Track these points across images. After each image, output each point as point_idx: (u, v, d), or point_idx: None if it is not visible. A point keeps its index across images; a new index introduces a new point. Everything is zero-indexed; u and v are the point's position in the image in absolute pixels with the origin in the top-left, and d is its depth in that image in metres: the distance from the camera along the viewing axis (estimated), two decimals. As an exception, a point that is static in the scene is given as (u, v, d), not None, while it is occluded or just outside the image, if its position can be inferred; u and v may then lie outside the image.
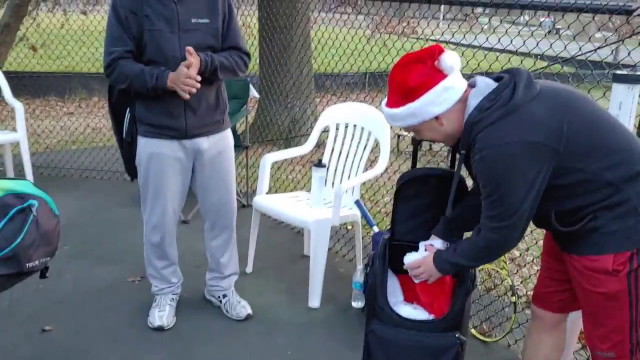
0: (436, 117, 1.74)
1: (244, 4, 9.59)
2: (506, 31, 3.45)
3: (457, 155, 1.88)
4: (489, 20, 4.45)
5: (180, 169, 2.59)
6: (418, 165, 2.41)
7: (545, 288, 2.01)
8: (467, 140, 1.70)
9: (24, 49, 7.68)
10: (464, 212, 2.00)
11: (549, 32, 2.45)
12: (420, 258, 2.06)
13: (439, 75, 1.71)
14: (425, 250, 2.10)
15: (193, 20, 2.43)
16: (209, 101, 2.55)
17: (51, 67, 8.99)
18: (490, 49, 3.16)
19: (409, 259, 2.12)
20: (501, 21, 2.92)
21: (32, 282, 2.99)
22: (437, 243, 2.08)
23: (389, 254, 2.28)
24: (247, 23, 9.72)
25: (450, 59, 1.71)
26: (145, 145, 2.54)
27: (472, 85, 1.76)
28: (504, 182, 1.64)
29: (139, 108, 2.51)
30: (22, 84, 7.67)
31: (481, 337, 2.76)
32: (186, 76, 2.32)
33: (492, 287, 3.13)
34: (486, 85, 1.71)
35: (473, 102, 1.70)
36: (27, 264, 1.92)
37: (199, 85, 2.37)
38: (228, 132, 2.72)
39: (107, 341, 2.65)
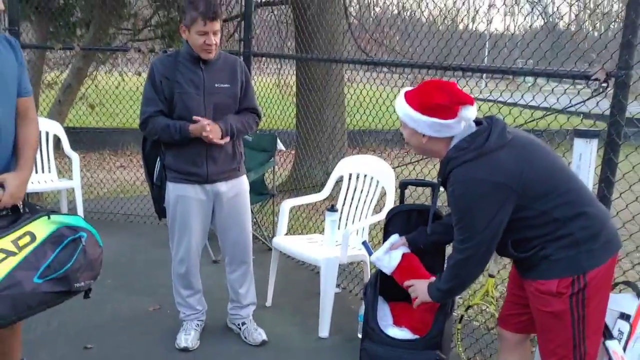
0: (423, 135, 2.08)
1: (284, 64, 10.25)
2: (552, 89, 3.40)
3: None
4: (535, 79, 4.32)
5: (201, 209, 3.02)
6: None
7: (509, 311, 2.31)
8: (444, 171, 2.07)
9: (83, 106, 8.40)
10: (435, 227, 2.42)
11: (595, 90, 2.67)
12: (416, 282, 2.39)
13: (453, 114, 2.00)
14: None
15: (216, 85, 2.91)
16: (227, 152, 2.99)
17: (106, 123, 9.72)
18: (537, 108, 3.21)
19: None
20: (548, 80, 3.08)
21: (78, 308, 3.45)
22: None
23: (380, 283, 2.63)
24: (287, 82, 10.34)
25: (469, 113, 2.02)
26: (173, 189, 2.99)
27: None
28: (470, 211, 1.99)
29: (167, 157, 2.97)
30: (80, 138, 8.32)
31: (474, 368, 3.02)
32: (205, 131, 2.79)
33: (483, 322, 3.39)
34: (468, 127, 2.05)
35: (455, 140, 2.05)
36: (75, 284, 2.27)
37: (222, 142, 2.85)
38: (243, 178, 3.15)
39: (139, 358, 3.03)
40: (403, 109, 2.08)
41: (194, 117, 2.81)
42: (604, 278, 2.01)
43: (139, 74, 9.49)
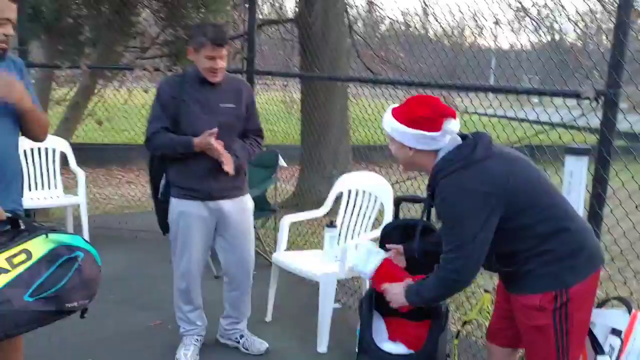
0: (410, 148, 2.12)
1: (290, 81, 10.30)
2: (556, 107, 3.26)
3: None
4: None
5: (204, 226, 3.07)
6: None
7: (497, 325, 2.35)
8: (432, 183, 2.11)
9: (91, 123, 8.50)
10: (429, 238, 2.45)
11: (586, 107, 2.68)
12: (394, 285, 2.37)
13: (437, 126, 2.06)
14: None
15: (221, 105, 2.98)
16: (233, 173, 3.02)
17: (114, 139, 9.84)
18: (541, 123, 3.26)
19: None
20: (552, 97, 3.03)
21: (80, 323, 3.48)
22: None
23: (376, 297, 2.67)
24: (293, 98, 10.40)
25: (453, 126, 2.08)
26: (176, 205, 3.05)
27: None
28: (459, 221, 2.02)
29: (171, 173, 3.04)
30: (88, 155, 8.43)
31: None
32: (209, 144, 2.85)
33: (480, 337, 3.41)
34: (453, 141, 2.10)
35: (441, 153, 2.10)
36: (67, 305, 2.22)
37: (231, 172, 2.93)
38: (247, 197, 3.20)
39: (139, 373, 3.08)
40: (389, 123, 2.13)
41: (204, 133, 2.86)
42: (587, 293, 2.05)
43: (147, 91, 9.62)
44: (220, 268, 4.18)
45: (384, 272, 2.47)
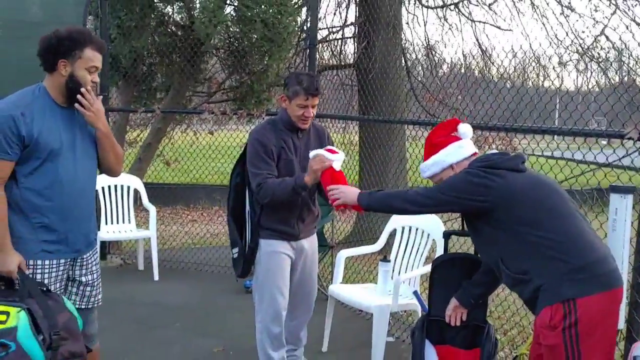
0: (451, 166, 2.42)
1: (349, 123, 10.61)
2: (627, 151, 3.15)
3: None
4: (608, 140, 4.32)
5: (289, 265, 3.24)
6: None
7: (533, 350, 2.45)
8: None
9: (159, 163, 8.98)
10: (480, 278, 2.64)
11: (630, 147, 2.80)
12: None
13: (455, 138, 2.45)
14: None
15: (310, 150, 3.11)
16: (312, 212, 3.26)
17: (180, 179, 10.28)
18: (607, 165, 3.25)
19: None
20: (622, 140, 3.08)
21: (148, 348, 3.76)
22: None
23: (427, 327, 2.81)
24: (352, 140, 10.68)
25: (464, 128, 2.47)
26: (267, 245, 3.19)
27: None
28: (452, 183, 2.35)
29: (263, 218, 3.16)
30: (156, 193, 8.87)
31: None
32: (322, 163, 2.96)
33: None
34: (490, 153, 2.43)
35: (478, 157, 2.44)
36: None
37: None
38: (315, 235, 3.42)
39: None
40: (424, 167, 2.51)
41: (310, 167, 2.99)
42: (600, 315, 2.14)
43: (212, 133, 10.08)
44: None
45: (331, 173, 2.88)
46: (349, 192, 2.66)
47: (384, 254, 3.88)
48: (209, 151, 7.02)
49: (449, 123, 2.52)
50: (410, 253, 3.88)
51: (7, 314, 2.29)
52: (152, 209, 5.44)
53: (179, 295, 4.97)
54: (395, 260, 3.93)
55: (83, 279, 2.67)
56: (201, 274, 5.75)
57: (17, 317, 2.28)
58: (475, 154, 2.47)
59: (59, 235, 2.54)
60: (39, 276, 2.51)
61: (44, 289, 2.47)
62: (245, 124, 10.24)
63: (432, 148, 2.49)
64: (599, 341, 2.17)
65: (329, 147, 3.08)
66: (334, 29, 9.37)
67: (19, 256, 2.44)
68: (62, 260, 2.57)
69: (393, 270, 3.87)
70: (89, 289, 2.70)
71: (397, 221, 3.99)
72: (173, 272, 5.72)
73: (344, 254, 3.90)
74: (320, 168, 2.90)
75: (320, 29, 8.67)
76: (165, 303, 4.77)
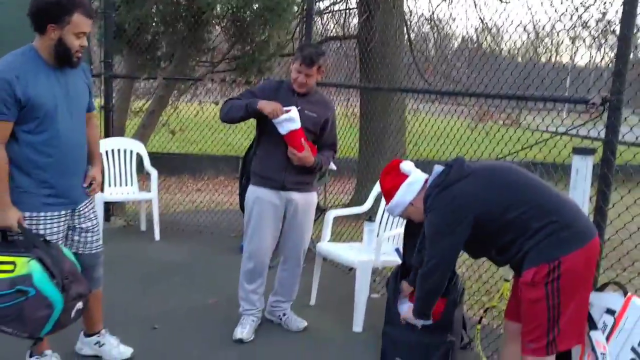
0: (411, 203, 2.63)
1: (352, 95, 10.73)
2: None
3: None
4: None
5: (274, 212, 3.49)
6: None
7: (511, 303, 2.69)
8: (425, 208, 2.57)
9: (165, 133, 9.17)
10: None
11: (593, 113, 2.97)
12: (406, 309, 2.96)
13: (404, 176, 2.68)
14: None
15: (306, 112, 3.40)
16: (304, 171, 3.45)
17: (186, 148, 10.47)
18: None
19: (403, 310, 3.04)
20: (633, 111, 3.17)
21: (146, 298, 4.02)
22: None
23: (401, 276, 3.04)
24: (354, 112, 10.80)
25: (406, 166, 2.69)
26: (252, 191, 3.50)
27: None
28: (433, 232, 2.52)
29: (254, 163, 3.51)
30: (161, 163, 9.07)
31: (490, 364, 3.34)
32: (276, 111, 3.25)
33: (500, 323, 3.69)
34: (436, 171, 2.59)
35: (428, 185, 2.60)
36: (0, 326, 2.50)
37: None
38: (314, 194, 3.65)
39: (200, 341, 3.56)
40: (389, 209, 2.75)
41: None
42: (579, 270, 2.33)
43: (217, 103, 10.21)
44: (274, 257, 4.60)
45: (300, 133, 3.28)
46: (407, 314, 2.91)
47: (369, 215, 4.09)
48: (213, 122, 7.19)
49: (391, 167, 2.74)
50: (395, 214, 4.08)
51: (14, 263, 2.50)
52: (154, 172, 5.66)
53: (178, 254, 5.22)
54: (380, 221, 4.14)
55: (83, 225, 2.91)
56: (201, 235, 6.00)
57: (28, 266, 2.49)
58: (426, 180, 2.64)
59: (59, 189, 2.75)
60: (41, 227, 2.73)
61: (44, 240, 2.67)
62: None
63: (388, 193, 2.72)
64: (576, 293, 2.36)
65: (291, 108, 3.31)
66: (337, 0, 9.47)
67: (18, 212, 2.63)
68: (63, 212, 2.80)
69: (378, 230, 4.08)
70: (89, 234, 2.94)
71: (383, 184, 4.19)
72: (174, 233, 5.97)
73: (332, 213, 4.12)
74: (270, 111, 3.23)
75: (320, 0, 8.78)
76: (165, 261, 5.02)
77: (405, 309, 2.97)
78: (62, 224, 2.81)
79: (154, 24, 6.82)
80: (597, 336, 2.53)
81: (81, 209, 2.90)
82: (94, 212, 2.99)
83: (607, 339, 2.53)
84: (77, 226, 2.89)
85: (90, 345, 3.20)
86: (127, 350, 3.25)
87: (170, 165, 9.94)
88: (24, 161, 2.65)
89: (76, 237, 2.91)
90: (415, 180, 2.66)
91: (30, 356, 2.94)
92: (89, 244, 2.95)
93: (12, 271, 2.48)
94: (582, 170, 2.83)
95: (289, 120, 3.26)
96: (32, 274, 2.48)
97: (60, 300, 2.52)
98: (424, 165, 2.84)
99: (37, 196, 2.70)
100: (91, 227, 2.95)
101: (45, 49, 2.64)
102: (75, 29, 2.61)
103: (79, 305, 2.63)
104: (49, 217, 2.75)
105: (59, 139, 2.69)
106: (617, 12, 2.80)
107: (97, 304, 3.13)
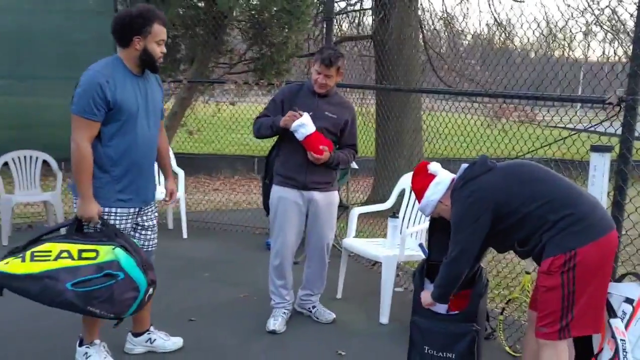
0: (441, 201, 2.81)
1: (367, 94, 10.83)
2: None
3: None
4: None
5: (297, 211, 3.67)
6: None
7: (534, 294, 2.81)
8: (452, 202, 2.75)
9: (182, 133, 9.33)
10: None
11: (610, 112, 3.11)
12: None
13: (431, 177, 2.87)
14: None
15: (326, 113, 3.59)
16: (325, 171, 3.63)
17: (203, 149, 10.59)
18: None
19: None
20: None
21: (180, 293, 4.20)
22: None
23: (426, 269, 3.20)
24: (369, 111, 10.90)
25: (433, 167, 2.88)
26: (276, 191, 3.68)
27: None
28: (456, 223, 2.68)
29: (277, 165, 3.69)
30: (179, 163, 9.26)
31: (512, 353, 3.49)
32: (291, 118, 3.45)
33: (522, 314, 3.84)
34: (462, 168, 2.77)
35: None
36: (88, 307, 2.67)
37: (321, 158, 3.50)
38: (335, 194, 3.81)
39: (235, 333, 3.74)
40: (421, 208, 2.93)
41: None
42: (594, 261, 2.47)
43: (233, 104, 10.37)
44: (300, 253, 4.78)
45: (315, 136, 3.44)
46: (424, 296, 3.04)
47: (393, 212, 4.25)
48: (230, 122, 7.37)
49: (419, 168, 2.92)
50: (417, 210, 4.24)
51: (96, 251, 2.72)
52: (181, 173, 5.86)
53: (206, 251, 5.42)
54: (403, 217, 4.30)
55: (146, 224, 3.13)
56: (226, 233, 6.19)
57: (113, 253, 2.72)
58: (453, 179, 2.82)
59: (133, 187, 2.97)
60: (112, 222, 2.94)
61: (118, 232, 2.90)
62: (263, 96, 10.42)
63: (418, 193, 2.91)
64: (591, 282, 2.48)
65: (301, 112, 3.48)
66: (352, 1, 9.58)
67: (98, 205, 2.86)
68: (132, 210, 3.01)
69: (401, 226, 4.24)
70: (150, 232, 3.16)
71: (405, 182, 4.35)
72: (200, 231, 6.17)
73: (357, 210, 4.29)
74: (287, 120, 3.44)
75: (338, 1, 8.90)
76: (194, 257, 5.21)
77: (423, 295, 3.11)
78: (129, 220, 3.02)
79: (173, 27, 7.00)
80: (617, 323, 2.67)
81: (148, 207, 3.11)
82: (155, 213, 3.20)
83: (626, 326, 2.68)
84: (140, 224, 3.10)
85: (142, 343, 3.38)
86: (179, 340, 3.47)
87: (187, 165, 10.07)
88: (103, 159, 2.88)
89: (137, 234, 3.12)
90: (441, 180, 2.84)
91: (80, 344, 3.13)
92: (147, 241, 3.16)
93: (94, 258, 2.69)
94: (600, 167, 2.97)
95: (302, 125, 3.43)
96: (118, 259, 2.70)
97: (145, 284, 2.76)
98: (442, 163, 3.01)
99: (112, 192, 2.92)
100: (152, 226, 3.16)
101: (131, 59, 2.89)
102: (156, 38, 2.87)
103: (151, 290, 2.85)
104: (119, 214, 2.96)
105: (137, 141, 2.92)
106: (631, 15, 2.92)
107: (149, 302, 3.31)
